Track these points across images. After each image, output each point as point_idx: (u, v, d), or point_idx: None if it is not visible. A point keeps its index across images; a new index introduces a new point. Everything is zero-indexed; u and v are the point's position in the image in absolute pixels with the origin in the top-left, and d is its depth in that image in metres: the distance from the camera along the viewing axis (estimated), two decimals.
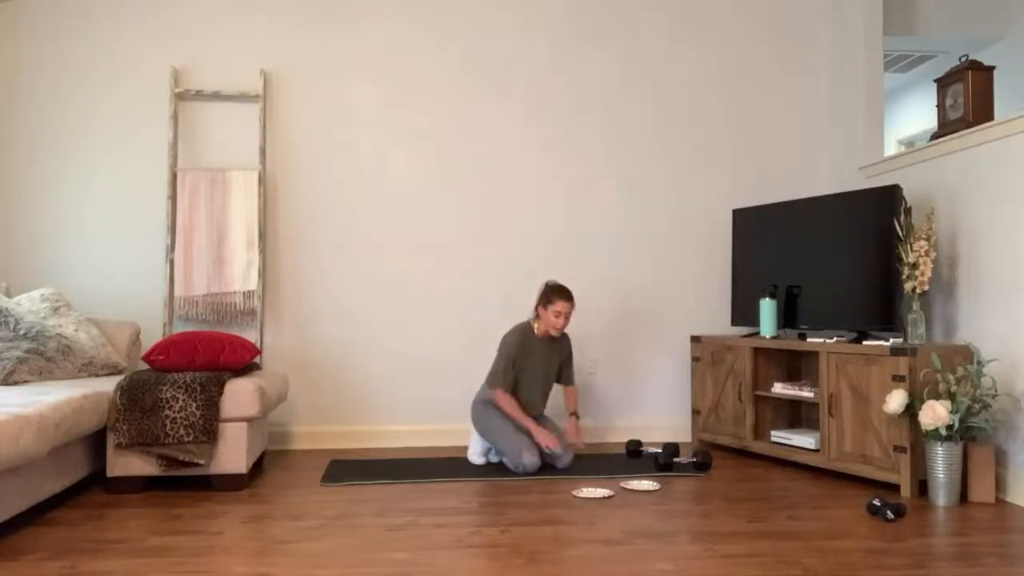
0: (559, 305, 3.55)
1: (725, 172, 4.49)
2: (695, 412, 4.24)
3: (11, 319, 3.42)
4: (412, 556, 2.36)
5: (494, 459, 3.75)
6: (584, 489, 3.13)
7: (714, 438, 4.09)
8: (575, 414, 3.71)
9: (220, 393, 3.18)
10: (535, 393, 3.67)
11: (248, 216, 4.10)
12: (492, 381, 3.56)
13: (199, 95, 4.19)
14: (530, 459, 3.43)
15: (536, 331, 3.64)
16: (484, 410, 3.63)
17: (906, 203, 3.49)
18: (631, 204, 4.42)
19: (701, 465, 3.57)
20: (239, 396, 3.20)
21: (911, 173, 3.76)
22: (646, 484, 3.23)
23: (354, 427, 4.22)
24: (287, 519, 2.77)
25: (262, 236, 4.13)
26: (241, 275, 4.08)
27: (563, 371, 3.77)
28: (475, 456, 3.73)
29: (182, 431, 3.10)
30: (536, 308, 3.64)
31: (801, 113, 4.53)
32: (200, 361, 3.33)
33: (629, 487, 3.20)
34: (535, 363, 3.63)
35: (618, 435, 4.33)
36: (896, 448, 3.16)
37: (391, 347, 4.26)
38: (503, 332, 4.30)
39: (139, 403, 3.10)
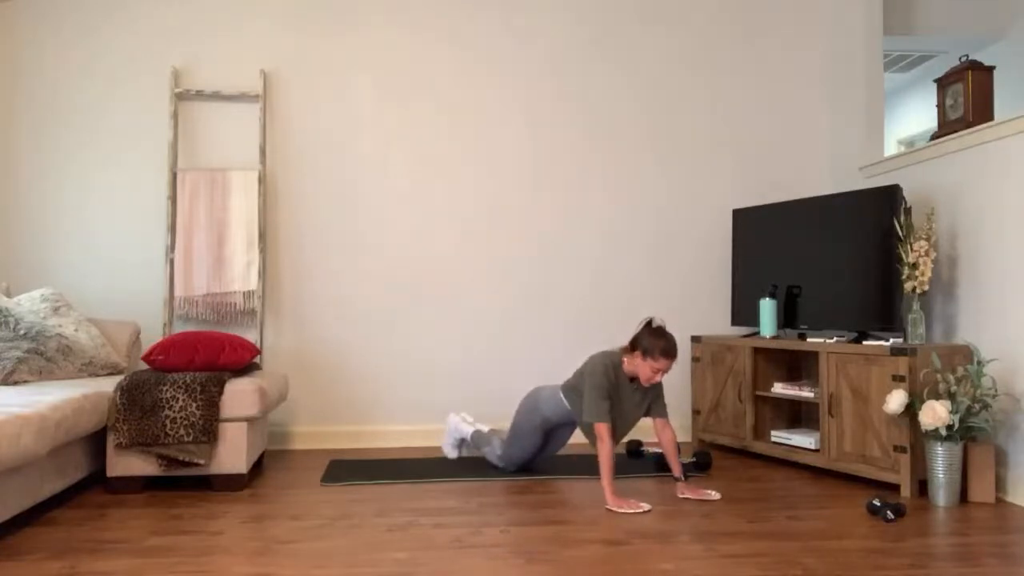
0: (662, 363, 3.01)
1: (725, 172, 4.49)
2: (695, 412, 4.24)
3: (11, 319, 3.41)
4: (412, 556, 2.36)
5: (466, 453, 3.80)
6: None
7: (714, 438, 4.09)
8: (679, 478, 3.15)
9: (220, 393, 3.18)
10: (623, 424, 3.18)
11: (248, 216, 4.10)
12: (591, 416, 3.02)
13: (199, 95, 4.19)
14: (519, 466, 3.51)
15: (624, 368, 3.12)
16: (531, 415, 3.34)
17: (906, 203, 3.49)
18: (631, 204, 4.42)
19: (701, 465, 3.58)
20: (239, 396, 3.20)
21: (911, 173, 3.76)
22: (711, 494, 3.10)
23: (354, 427, 4.22)
24: (287, 519, 2.77)
25: (262, 236, 4.13)
26: (241, 275, 4.08)
27: (653, 404, 3.20)
28: (448, 449, 3.79)
29: (182, 431, 3.10)
30: (632, 349, 3.08)
31: (801, 113, 4.53)
32: (200, 361, 3.33)
33: (687, 495, 3.10)
34: (622, 401, 3.14)
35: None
36: (896, 448, 3.16)
37: (391, 347, 4.26)
38: (504, 331, 4.30)
39: (139, 403, 3.10)
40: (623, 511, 2.85)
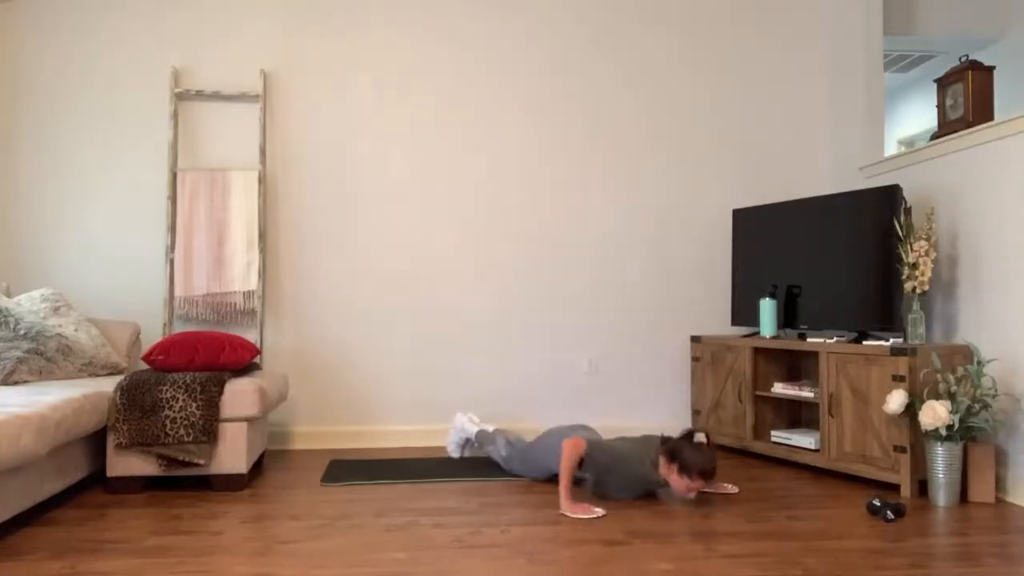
0: (698, 484, 2.92)
1: (725, 172, 4.48)
2: (695, 412, 4.24)
3: (11, 319, 3.41)
4: (412, 556, 2.36)
5: (468, 453, 3.82)
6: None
7: (714, 438, 4.08)
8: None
9: (220, 393, 3.18)
10: (625, 491, 3.07)
11: (248, 216, 4.09)
12: (588, 439, 2.97)
13: (199, 95, 4.19)
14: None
15: (660, 470, 3.01)
16: (548, 457, 3.23)
17: (906, 203, 3.49)
18: (631, 204, 4.42)
19: None
20: (239, 396, 3.20)
21: (911, 173, 3.76)
22: (728, 487, 3.18)
23: (354, 427, 4.22)
24: (287, 519, 2.77)
25: (262, 236, 4.13)
26: (241, 275, 4.08)
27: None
28: (453, 447, 3.82)
29: (182, 431, 3.10)
30: (670, 459, 2.96)
31: (801, 113, 4.53)
32: (200, 361, 3.33)
33: (706, 489, 3.14)
34: (639, 479, 3.03)
35: (618, 435, 4.32)
36: (896, 448, 3.16)
37: (391, 347, 4.25)
38: (504, 331, 4.30)
39: (139, 403, 3.10)
40: (577, 516, 2.80)
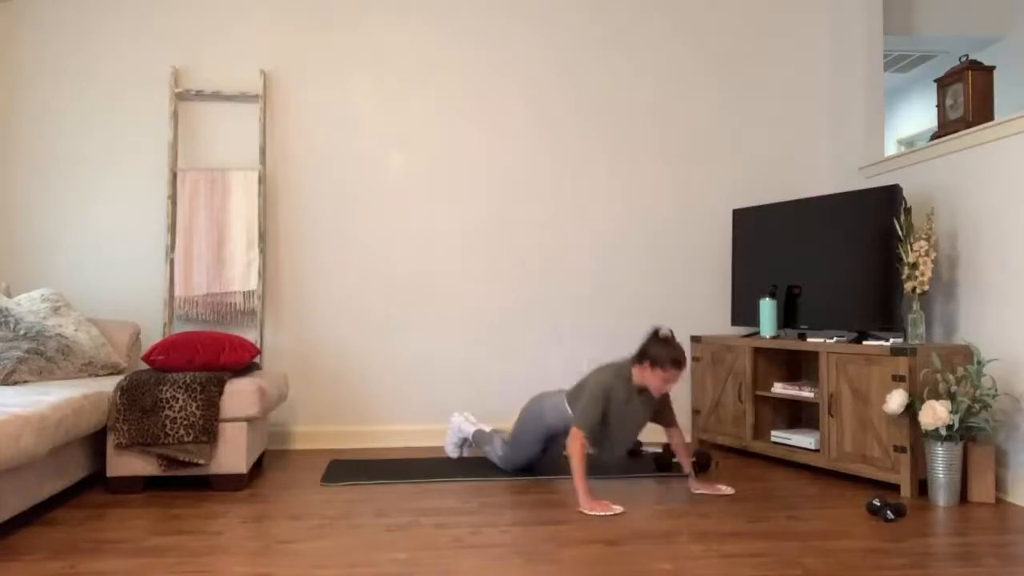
0: (672, 373, 2.99)
1: (725, 172, 4.49)
2: (695, 412, 4.24)
3: (11, 319, 3.41)
4: (412, 556, 2.36)
5: (467, 453, 3.81)
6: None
7: (714, 438, 4.09)
8: (690, 474, 3.22)
9: (220, 393, 3.18)
10: (625, 435, 3.13)
11: (248, 216, 4.10)
12: (580, 419, 2.99)
13: (199, 95, 4.19)
14: (519, 468, 3.48)
15: (634, 380, 3.08)
16: (535, 424, 3.29)
17: (906, 203, 3.49)
18: (632, 204, 4.42)
19: (700, 465, 3.57)
20: (239, 396, 3.20)
21: (911, 173, 3.76)
22: (723, 488, 3.17)
23: (354, 427, 4.22)
24: (287, 519, 2.77)
25: (262, 236, 4.13)
26: (241, 275, 4.08)
27: (662, 414, 3.24)
28: (451, 448, 3.80)
29: (182, 431, 3.11)
30: (640, 360, 3.04)
31: (801, 113, 4.53)
32: (200, 361, 3.33)
33: (700, 491, 3.14)
34: (628, 411, 3.09)
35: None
36: (896, 448, 3.16)
37: (391, 347, 4.26)
38: (503, 331, 4.30)
39: (139, 403, 3.10)
40: (596, 513, 2.81)
